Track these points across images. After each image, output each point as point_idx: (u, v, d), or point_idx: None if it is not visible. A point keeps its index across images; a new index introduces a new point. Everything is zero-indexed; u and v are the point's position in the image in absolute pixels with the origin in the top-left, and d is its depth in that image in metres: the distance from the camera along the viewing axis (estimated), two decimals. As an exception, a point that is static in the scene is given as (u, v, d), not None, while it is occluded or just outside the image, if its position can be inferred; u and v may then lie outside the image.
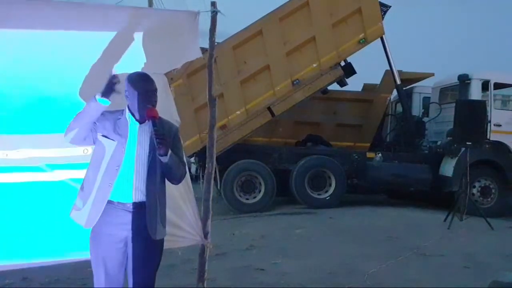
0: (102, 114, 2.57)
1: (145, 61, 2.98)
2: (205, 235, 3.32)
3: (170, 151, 2.50)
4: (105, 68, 2.72)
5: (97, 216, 2.51)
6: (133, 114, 2.59)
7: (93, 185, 2.54)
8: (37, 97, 3.01)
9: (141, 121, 2.58)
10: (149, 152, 2.55)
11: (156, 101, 2.60)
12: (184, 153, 2.79)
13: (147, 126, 2.54)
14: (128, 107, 2.60)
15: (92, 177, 2.56)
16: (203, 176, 3.26)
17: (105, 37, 2.92)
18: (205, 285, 3.32)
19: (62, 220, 3.03)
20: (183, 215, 3.23)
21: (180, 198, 3.19)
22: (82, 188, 2.62)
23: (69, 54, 2.94)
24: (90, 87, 2.80)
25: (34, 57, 2.90)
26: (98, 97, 2.47)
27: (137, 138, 2.56)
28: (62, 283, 4.49)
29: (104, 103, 2.49)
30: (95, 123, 2.55)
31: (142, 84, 2.56)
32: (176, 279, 4.37)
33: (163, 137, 2.46)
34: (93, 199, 2.53)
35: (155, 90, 2.61)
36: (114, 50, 2.92)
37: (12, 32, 2.76)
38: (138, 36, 2.99)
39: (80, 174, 2.81)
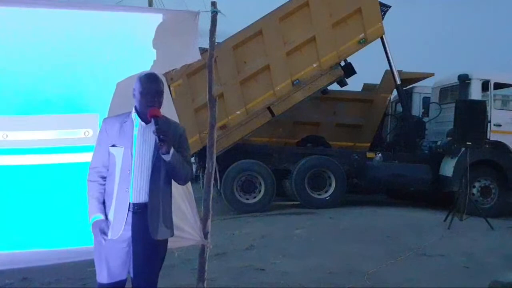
0: (108, 122, 2.63)
1: (154, 59, 3.00)
2: (205, 235, 3.32)
3: (173, 150, 2.50)
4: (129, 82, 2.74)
5: (122, 224, 2.52)
6: (139, 114, 2.60)
7: (112, 195, 2.56)
8: (39, 77, 2.97)
9: (146, 121, 2.59)
10: (154, 152, 2.56)
11: (160, 102, 2.61)
12: (190, 153, 2.80)
13: (152, 126, 2.55)
14: (135, 107, 2.62)
15: (110, 188, 2.58)
16: (203, 176, 3.26)
17: (103, 18, 2.95)
18: (205, 285, 3.32)
19: (63, 206, 2.99)
20: (183, 215, 3.23)
21: (179, 198, 3.19)
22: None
23: (70, 34, 2.94)
24: (118, 105, 2.85)
25: (37, 35, 2.89)
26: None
27: (142, 138, 2.58)
28: (62, 283, 4.49)
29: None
30: (105, 133, 2.59)
31: (148, 84, 2.58)
32: (176, 279, 4.38)
33: (165, 135, 2.47)
34: (114, 209, 2.54)
35: (160, 91, 2.62)
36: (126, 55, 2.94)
37: (13, 9, 2.79)
38: (144, 36, 3.00)
39: (81, 157, 2.78)
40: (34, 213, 3.06)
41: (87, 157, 3.01)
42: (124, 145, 2.56)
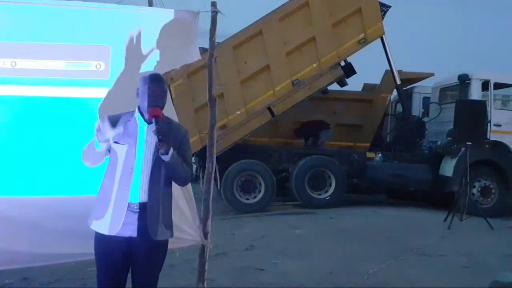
0: (112, 118, 2.60)
1: (158, 60, 3.00)
2: (205, 235, 3.32)
3: (172, 151, 2.50)
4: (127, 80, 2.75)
5: (120, 221, 2.51)
6: (142, 114, 2.61)
7: (111, 192, 2.55)
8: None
9: (148, 121, 2.60)
10: (155, 152, 2.56)
11: (164, 103, 2.63)
12: (191, 156, 2.80)
13: (153, 126, 2.55)
14: (138, 107, 2.64)
15: (109, 184, 2.57)
16: (203, 176, 3.26)
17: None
18: (205, 285, 3.32)
19: (71, 147, 2.90)
20: (182, 215, 3.23)
21: (179, 198, 3.19)
22: (99, 197, 2.62)
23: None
24: (111, 102, 2.85)
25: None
26: (96, 141, 2.52)
27: (144, 138, 2.59)
28: (62, 283, 4.49)
29: (96, 147, 2.53)
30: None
31: (150, 85, 2.59)
32: (176, 279, 4.38)
33: (165, 135, 2.47)
34: (113, 205, 2.53)
35: (164, 91, 2.64)
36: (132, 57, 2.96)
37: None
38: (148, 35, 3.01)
39: (94, 92, 2.75)
40: (41, 152, 2.96)
41: (100, 92, 2.96)
42: (127, 143, 2.56)
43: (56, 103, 3.00)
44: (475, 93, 9.12)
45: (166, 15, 3.11)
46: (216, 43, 3.39)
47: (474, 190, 9.01)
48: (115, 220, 2.52)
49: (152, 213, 2.55)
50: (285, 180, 9.54)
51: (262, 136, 9.83)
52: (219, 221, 7.49)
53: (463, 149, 8.43)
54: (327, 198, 9.31)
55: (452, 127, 8.47)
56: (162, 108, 2.60)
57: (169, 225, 2.66)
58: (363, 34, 8.96)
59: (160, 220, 2.58)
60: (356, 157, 9.68)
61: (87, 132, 2.85)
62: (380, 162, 9.58)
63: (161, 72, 3.01)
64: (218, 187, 8.69)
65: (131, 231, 2.54)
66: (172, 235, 2.70)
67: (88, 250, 2.70)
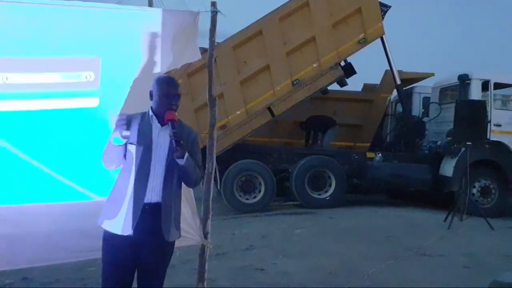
0: (126, 118, 2.61)
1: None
2: (205, 235, 3.33)
3: (187, 154, 2.52)
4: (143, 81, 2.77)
5: (135, 221, 2.51)
6: (156, 115, 2.62)
7: (125, 192, 2.55)
8: (43, 18, 2.91)
9: (161, 123, 2.60)
10: (168, 155, 2.57)
11: (177, 106, 2.64)
12: (201, 157, 2.80)
13: (168, 129, 2.57)
14: (152, 108, 2.65)
15: (123, 184, 2.57)
16: (203, 176, 3.27)
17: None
18: (205, 285, 3.32)
19: (65, 156, 2.94)
20: (183, 215, 3.21)
21: (179, 198, 3.19)
22: (111, 197, 2.62)
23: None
24: (134, 100, 2.88)
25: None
26: (113, 137, 2.52)
27: (157, 139, 2.59)
28: (62, 283, 4.49)
29: (118, 143, 2.52)
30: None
31: (165, 87, 2.61)
32: (176, 280, 4.37)
33: (181, 139, 2.50)
34: (127, 205, 2.53)
35: (177, 94, 2.65)
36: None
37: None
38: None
39: (84, 102, 2.76)
40: (36, 162, 2.98)
41: (91, 102, 3.00)
42: (143, 145, 2.57)
43: (47, 115, 3.02)
44: (475, 93, 9.12)
45: (165, 15, 3.12)
46: (216, 43, 3.39)
47: (474, 190, 9.02)
48: (129, 220, 2.52)
49: (166, 214, 2.57)
50: (285, 180, 9.55)
51: (262, 136, 9.83)
52: (219, 221, 7.49)
53: (463, 149, 8.43)
54: (327, 198, 9.31)
55: (452, 127, 8.47)
56: (176, 110, 2.61)
57: (178, 226, 2.69)
58: (363, 34, 8.96)
59: (172, 221, 2.60)
60: (356, 157, 9.69)
61: (78, 141, 2.92)
62: (380, 162, 9.58)
63: (161, 72, 3.01)
64: (218, 187, 8.68)
65: (143, 231, 2.54)
66: (180, 236, 2.72)
67: (88, 247, 2.70)
